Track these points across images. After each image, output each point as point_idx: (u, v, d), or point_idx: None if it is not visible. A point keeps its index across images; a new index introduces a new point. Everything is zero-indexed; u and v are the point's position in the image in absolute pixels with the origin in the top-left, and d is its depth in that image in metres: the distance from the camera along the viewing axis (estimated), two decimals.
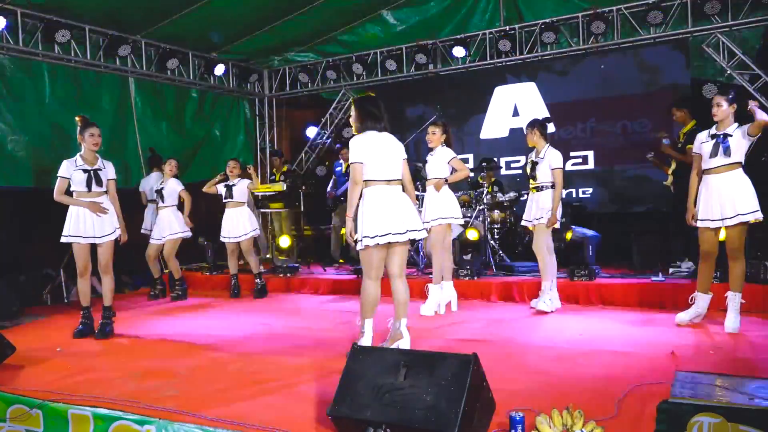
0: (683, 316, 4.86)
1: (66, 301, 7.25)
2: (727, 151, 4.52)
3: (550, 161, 5.47)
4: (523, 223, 5.83)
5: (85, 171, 5.04)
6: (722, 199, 4.53)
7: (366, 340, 3.98)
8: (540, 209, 5.53)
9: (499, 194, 7.62)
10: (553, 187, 5.48)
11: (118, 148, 8.16)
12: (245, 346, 4.71)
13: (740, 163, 4.58)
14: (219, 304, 6.81)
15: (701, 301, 4.81)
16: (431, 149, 5.75)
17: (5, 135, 7.16)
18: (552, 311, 5.54)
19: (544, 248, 5.53)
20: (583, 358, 3.99)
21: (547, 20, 8.36)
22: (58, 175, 5.06)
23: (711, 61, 7.81)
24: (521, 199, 7.68)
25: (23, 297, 6.65)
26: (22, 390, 3.50)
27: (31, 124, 7.37)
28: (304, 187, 9.40)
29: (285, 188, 8.82)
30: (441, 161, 5.62)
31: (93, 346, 4.89)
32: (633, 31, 8.02)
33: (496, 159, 8.51)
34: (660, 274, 6.16)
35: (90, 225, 5.05)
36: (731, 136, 4.54)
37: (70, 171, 5.04)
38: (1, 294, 6.25)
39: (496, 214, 7.63)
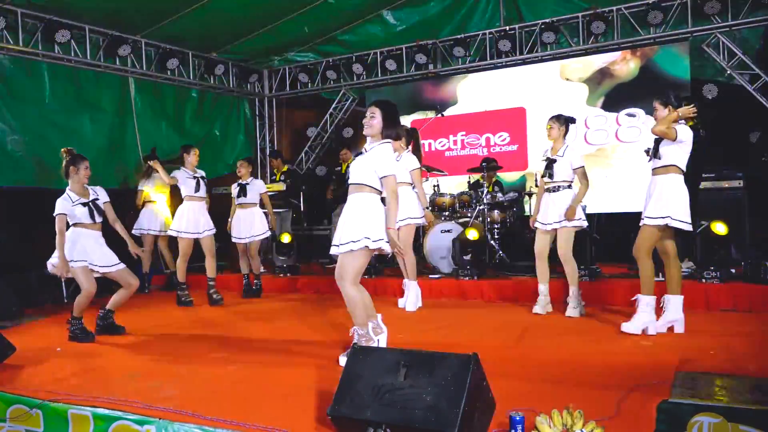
0: (628, 326, 4.63)
1: (66, 301, 7.23)
2: (656, 154, 4.50)
3: (571, 160, 5.28)
4: (537, 225, 5.43)
5: (84, 204, 5.03)
6: (650, 199, 4.53)
7: (383, 340, 3.91)
8: (559, 212, 5.29)
9: (499, 194, 7.61)
10: (569, 187, 5.35)
11: (118, 148, 8.14)
12: (245, 345, 4.72)
13: (675, 166, 4.45)
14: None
15: (643, 304, 4.60)
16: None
17: (5, 135, 7.15)
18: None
19: (571, 252, 5.34)
20: (583, 358, 3.99)
21: (547, 20, 8.37)
22: (57, 213, 4.91)
23: (711, 61, 7.81)
24: (520, 199, 7.68)
25: (23, 297, 6.64)
26: (22, 390, 3.50)
27: (31, 124, 7.36)
28: (304, 187, 9.40)
29: (285, 188, 8.83)
30: (406, 168, 5.88)
31: (93, 346, 4.89)
32: (633, 31, 8.02)
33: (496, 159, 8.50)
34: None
35: (98, 256, 5.02)
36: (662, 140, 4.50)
37: (68, 207, 4.97)
38: (1, 294, 6.24)
39: (496, 214, 7.60)
